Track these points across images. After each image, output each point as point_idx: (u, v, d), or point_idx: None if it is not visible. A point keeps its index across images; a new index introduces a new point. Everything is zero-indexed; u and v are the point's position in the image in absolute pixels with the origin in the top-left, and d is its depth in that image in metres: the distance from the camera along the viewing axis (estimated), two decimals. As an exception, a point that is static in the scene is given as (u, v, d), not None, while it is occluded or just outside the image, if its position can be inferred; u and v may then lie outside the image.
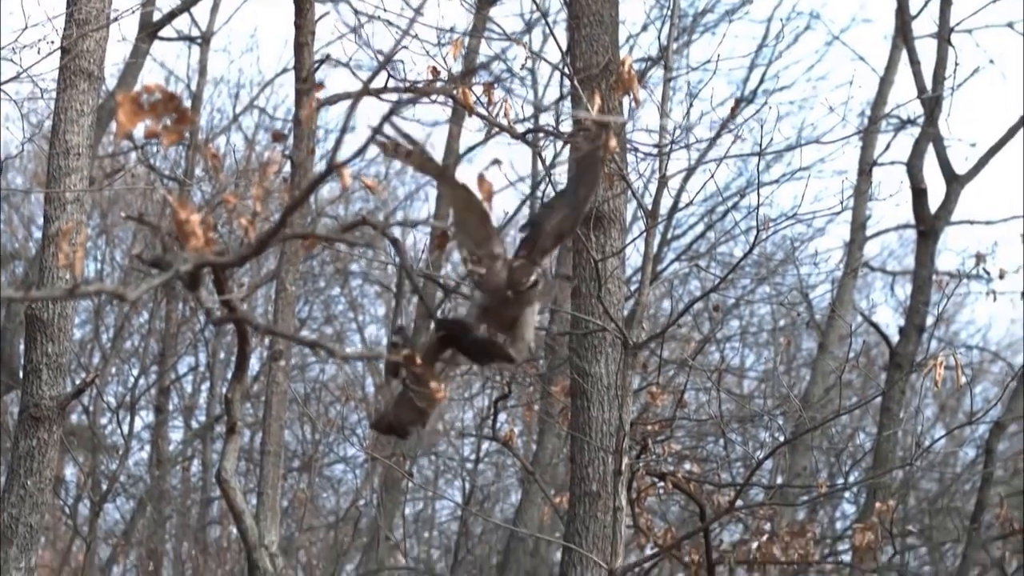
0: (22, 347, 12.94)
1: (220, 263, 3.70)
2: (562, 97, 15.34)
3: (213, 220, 3.66)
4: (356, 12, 9.73)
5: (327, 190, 19.13)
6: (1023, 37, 16.29)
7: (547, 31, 16.85)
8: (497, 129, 9.19)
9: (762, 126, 9.06)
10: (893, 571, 15.64)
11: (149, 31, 15.88)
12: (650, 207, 9.03)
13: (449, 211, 4.66)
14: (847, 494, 18.05)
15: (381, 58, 9.14)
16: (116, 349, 19.39)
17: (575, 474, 9.36)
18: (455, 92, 8.83)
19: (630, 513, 9.63)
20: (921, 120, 15.34)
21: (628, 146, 9.05)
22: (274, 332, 10.46)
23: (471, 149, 17.74)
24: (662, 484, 10.41)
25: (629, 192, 9.12)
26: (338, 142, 3.49)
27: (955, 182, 15.07)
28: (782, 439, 10.83)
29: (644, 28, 17.58)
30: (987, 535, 14.87)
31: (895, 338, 14.92)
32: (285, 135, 10.49)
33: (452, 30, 9.73)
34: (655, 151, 9.00)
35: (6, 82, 10.40)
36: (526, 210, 18.70)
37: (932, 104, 14.90)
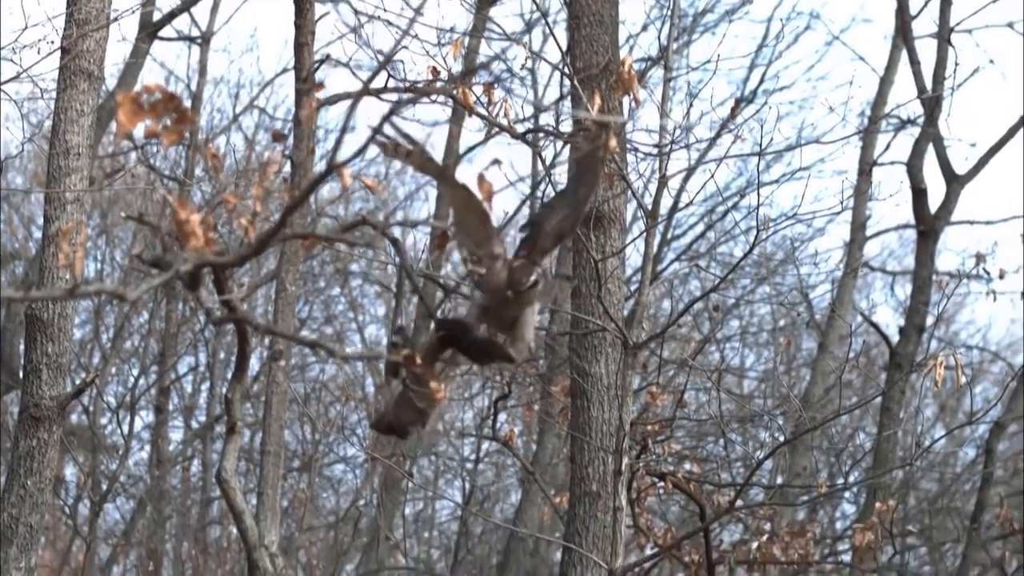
0: (22, 347, 12.93)
1: (220, 263, 3.70)
2: (562, 97, 15.35)
3: (213, 220, 3.66)
4: (356, 12, 9.73)
5: (327, 190, 19.13)
6: (1023, 37, 16.30)
7: (547, 31, 16.86)
8: (497, 129, 9.19)
9: (762, 126, 9.07)
10: (893, 571, 15.64)
11: (149, 31, 15.88)
12: (650, 207, 9.03)
13: (449, 211, 4.65)
14: (847, 494, 18.06)
15: (381, 58, 9.14)
16: (116, 349, 19.39)
17: (575, 474, 9.36)
18: (455, 92, 8.83)
19: (630, 513, 9.64)
20: (921, 120, 15.34)
21: (628, 146, 9.05)
22: (274, 332, 10.46)
23: (471, 149, 17.75)
24: (662, 484, 10.41)
25: (629, 192, 9.12)
26: (338, 142, 3.49)
27: (955, 182, 15.07)
28: (782, 439, 10.83)
29: (644, 28, 17.60)
30: (987, 535, 14.87)
31: (895, 338, 14.92)
32: (285, 135, 10.49)
33: (452, 30, 9.73)
34: (655, 151, 9.00)
35: (6, 82, 10.40)
36: (526, 210, 18.70)
37: (932, 104, 14.91)
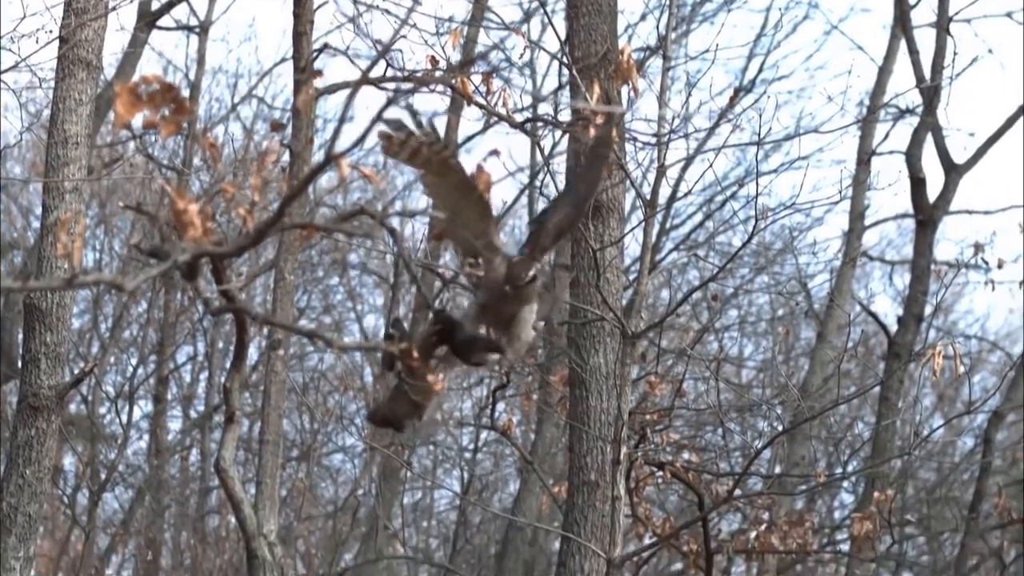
0: (21, 336, 12.94)
1: (218, 253, 3.69)
2: (561, 86, 15.35)
3: (211, 210, 3.66)
4: (355, 1, 9.74)
5: (325, 179, 19.12)
6: (1022, 27, 16.29)
7: (546, 20, 16.83)
8: (496, 119, 9.19)
9: (761, 115, 9.05)
10: (891, 560, 15.67)
11: (147, 20, 15.86)
12: (649, 196, 9.02)
13: (440, 203, 4.60)
14: (845, 483, 18.06)
15: (380, 47, 9.14)
16: (115, 339, 19.39)
17: (574, 463, 9.36)
18: (454, 81, 8.82)
19: (628, 502, 9.64)
20: (920, 109, 15.34)
21: (627, 135, 9.04)
22: (272, 322, 10.45)
23: (470, 139, 17.75)
24: (661, 473, 10.40)
25: (628, 181, 9.11)
26: (336, 132, 3.48)
27: (954, 172, 15.06)
28: (780, 428, 10.83)
29: (643, 17, 17.58)
30: (985, 524, 14.87)
31: (893, 328, 14.92)
32: (283, 124, 10.48)
33: (451, 19, 9.73)
34: (654, 140, 8.99)
35: (5, 71, 10.40)
36: (524, 200, 18.72)
37: (931, 93, 14.90)
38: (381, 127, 4.14)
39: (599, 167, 4.95)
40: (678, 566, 17.79)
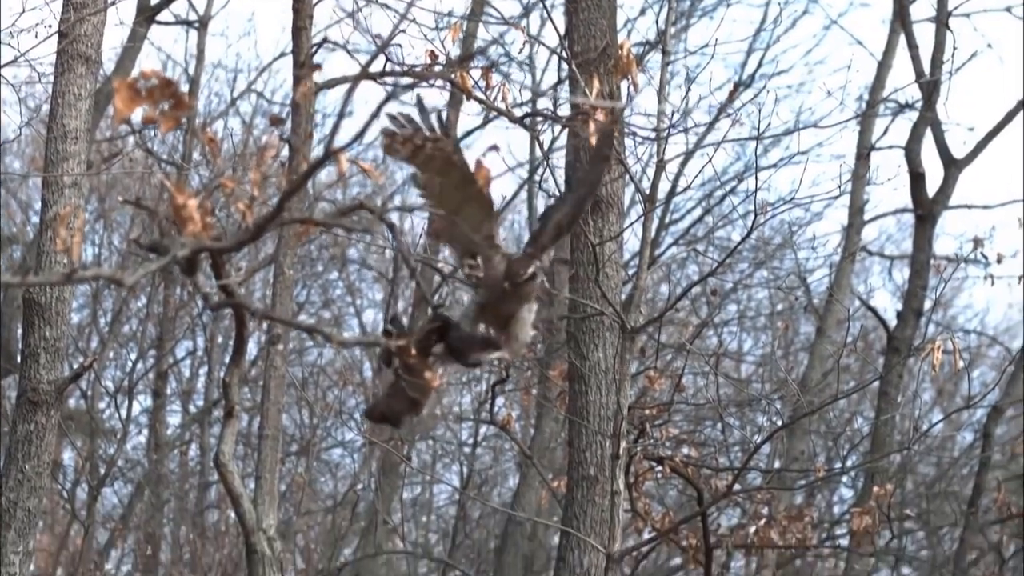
0: (20, 331, 12.93)
1: (217, 248, 3.69)
2: (560, 81, 15.32)
3: (211, 205, 3.66)
4: (354, -4, 9.72)
5: (325, 174, 19.11)
6: (1022, 21, 16.29)
7: (545, 15, 16.82)
8: (495, 113, 9.18)
9: (760, 110, 9.05)
10: (891, 555, 15.67)
11: (147, 15, 15.85)
12: (648, 191, 9.02)
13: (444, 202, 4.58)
14: (845, 478, 18.07)
15: (379, 42, 9.15)
16: (114, 333, 19.39)
17: (573, 458, 9.37)
18: (453, 76, 8.82)
19: (628, 497, 9.63)
20: (919, 104, 15.34)
21: (626, 130, 9.04)
22: (272, 317, 10.46)
23: (469, 133, 17.72)
24: (660, 468, 10.40)
25: (627, 176, 9.11)
26: (336, 127, 3.49)
27: (953, 166, 15.06)
28: (780, 423, 10.82)
29: (642, 12, 17.56)
30: (984, 519, 14.88)
31: (893, 322, 14.92)
32: (283, 119, 10.48)
33: (450, 14, 9.72)
34: (653, 135, 8.99)
35: (4, 66, 10.40)
36: (524, 194, 18.72)
37: (930, 88, 14.90)
38: (384, 124, 4.14)
39: (601, 167, 4.96)
40: (677, 561, 17.81)
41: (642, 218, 9.21)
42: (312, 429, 19.35)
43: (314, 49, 9.89)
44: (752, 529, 10.92)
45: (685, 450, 11.49)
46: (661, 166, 9.03)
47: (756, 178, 9.19)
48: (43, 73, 11.11)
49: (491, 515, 19.19)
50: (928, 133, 15.15)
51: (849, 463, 17.61)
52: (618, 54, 8.71)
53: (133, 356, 19.73)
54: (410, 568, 19.43)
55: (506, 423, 10.13)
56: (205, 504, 19.30)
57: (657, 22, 15.27)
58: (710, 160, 9.24)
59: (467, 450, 20.10)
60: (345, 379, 19.60)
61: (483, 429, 19.18)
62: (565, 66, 10.08)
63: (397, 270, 17.07)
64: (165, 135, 17.25)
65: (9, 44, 10.32)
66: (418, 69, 8.98)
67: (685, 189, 14.68)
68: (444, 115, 4.29)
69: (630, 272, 12.34)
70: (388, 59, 9.13)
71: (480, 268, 4.55)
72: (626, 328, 8.71)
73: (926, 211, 14.95)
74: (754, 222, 8.96)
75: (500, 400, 14.53)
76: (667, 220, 18.29)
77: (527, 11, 17.51)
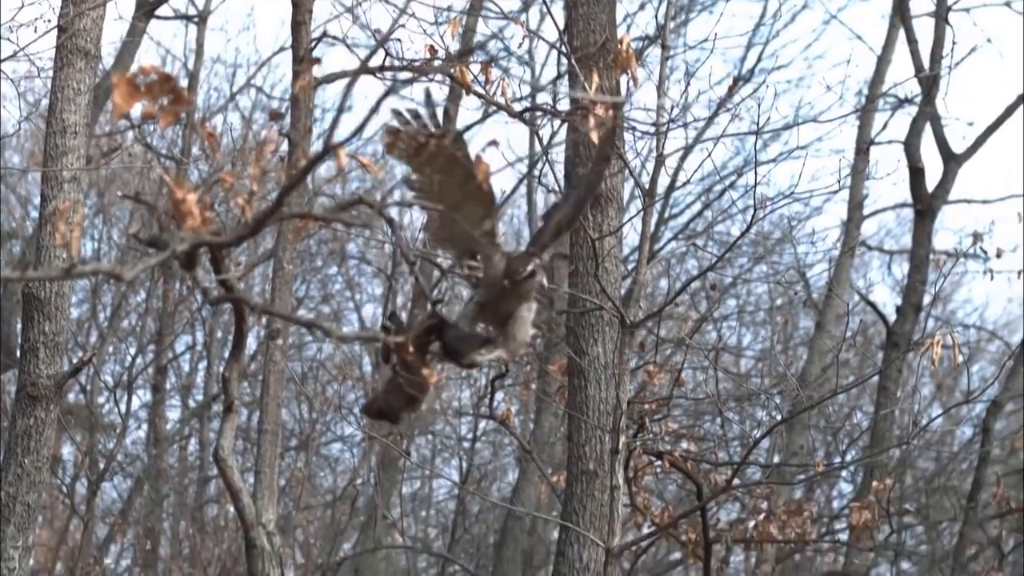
0: (19, 326, 12.94)
1: (217, 243, 3.69)
2: (559, 76, 15.31)
3: (210, 199, 3.65)
4: (353, -10, 9.71)
5: (324, 169, 19.09)
6: (1021, 16, 16.29)
7: (544, 9, 16.80)
8: (494, 108, 9.18)
9: (759, 105, 9.04)
10: (890, 550, 15.68)
11: (146, 10, 15.84)
12: (647, 186, 9.02)
13: (443, 201, 4.55)
14: (844, 473, 18.07)
15: (378, 37, 9.13)
16: (113, 328, 19.39)
17: (572, 453, 9.37)
18: (452, 71, 8.82)
19: (627, 492, 9.63)
20: (919, 99, 15.34)
21: (625, 125, 9.04)
22: (271, 311, 10.45)
23: (468, 128, 17.68)
24: (659, 463, 10.40)
25: (627, 171, 9.11)
26: (335, 121, 3.48)
27: (952, 161, 15.07)
28: (779, 418, 10.83)
29: (642, 6, 17.56)
30: (984, 514, 14.89)
31: (892, 317, 14.93)
32: (282, 114, 10.47)
33: (449, 9, 9.72)
34: (652, 130, 8.99)
35: (3, 61, 10.40)
36: (523, 189, 18.71)
37: (930, 83, 14.90)
38: (384, 119, 4.14)
39: (602, 167, 4.96)
40: (677, 555, 17.81)
41: (641, 213, 9.21)
42: (311, 424, 19.35)
43: (313, 44, 9.88)
44: (751, 524, 10.92)
45: (684, 445, 11.49)
46: (660, 161, 9.02)
47: (755, 173, 9.18)
48: (42, 68, 11.11)
49: (490, 510, 19.19)
50: (928, 128, 15.16)
51: (848, 458, 17.63)
52: (617, 49, 8.70)
53: (132, 351, 19.73)
54: (409, 563, 19.45)
55: (505, 418, 10.12)
56: (204, 499, 19.30)
57: (656, 17, 15.28)
58: (709, 155, 9.23)
59: (466, 445, 20.11)
60: (344, 374, 19.61)
61: (482, 424, 19.19)
62: (564, 61, 10.08)
63: (396, 265, 17.10)
64: (164, 130, 17.25)
65: (8, 39, 10.32)
66: (417, 64, 8.97)
67: (684, 184, 14.69)
68: (446, 111, 4.29)
69: (629, 267, 12.34)
70: (387, 54, 9.12)
71: (480, 267, 4.54)
72: (625, 323, 8.71)
73: (925, 206, 14.95)
74: (753, 217, 8.95)
75: (499, 395, 14.54)
76: (666, 215, 18.29)
77: (526, 6, 17.49)
